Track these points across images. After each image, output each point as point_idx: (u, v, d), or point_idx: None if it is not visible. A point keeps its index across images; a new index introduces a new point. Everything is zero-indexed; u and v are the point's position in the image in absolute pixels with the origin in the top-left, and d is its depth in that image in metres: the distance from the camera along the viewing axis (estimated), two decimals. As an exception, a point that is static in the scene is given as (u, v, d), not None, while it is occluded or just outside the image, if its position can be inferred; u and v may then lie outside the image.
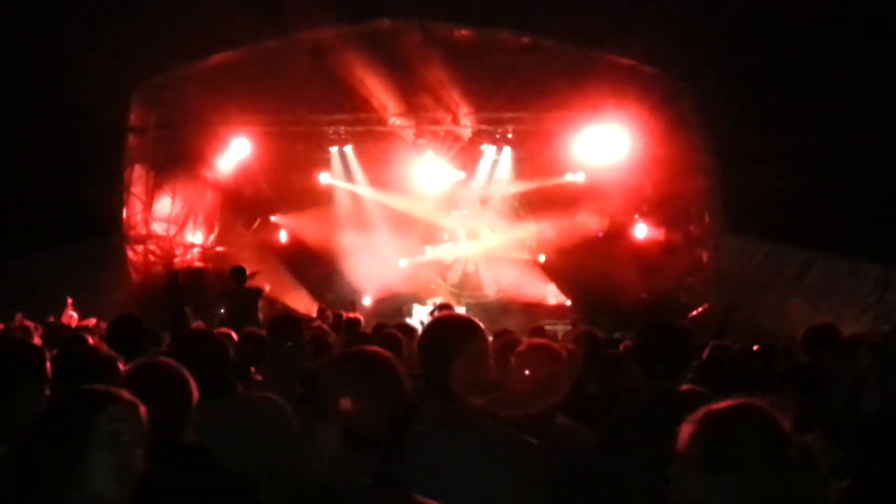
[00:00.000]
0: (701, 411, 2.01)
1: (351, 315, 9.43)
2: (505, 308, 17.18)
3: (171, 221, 16.47)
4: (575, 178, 16.98)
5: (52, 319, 10.54)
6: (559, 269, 17.67)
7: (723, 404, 2.00)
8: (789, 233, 12.41)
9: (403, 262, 18.43)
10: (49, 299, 11.50)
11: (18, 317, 9.49)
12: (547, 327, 14.48)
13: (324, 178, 17.52)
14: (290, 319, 4.75)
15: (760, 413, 1.96)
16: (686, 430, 2.00)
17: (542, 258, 18.19)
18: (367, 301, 17.20)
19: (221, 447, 2.75)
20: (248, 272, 11.30)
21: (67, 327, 9.77)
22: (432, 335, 2.85)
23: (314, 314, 13.14)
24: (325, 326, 8.01)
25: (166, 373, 2.78)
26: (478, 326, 2.81)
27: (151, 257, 16.01)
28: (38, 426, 2.14)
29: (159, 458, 2.28)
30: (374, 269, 17.77)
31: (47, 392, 2.71)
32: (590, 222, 17.13)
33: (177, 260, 16.46)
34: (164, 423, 2.40)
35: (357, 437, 2.24)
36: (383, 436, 2.27)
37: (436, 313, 9.95)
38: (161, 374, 2.77)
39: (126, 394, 2.20)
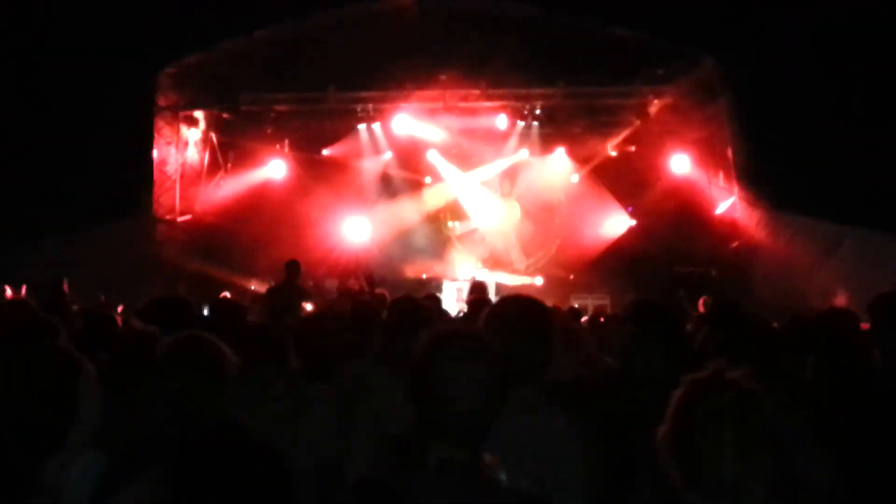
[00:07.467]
0: None
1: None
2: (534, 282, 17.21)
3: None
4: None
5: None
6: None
7: None
8: (820, 206, 12.26)
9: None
10: (81, 282, 11.55)
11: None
12: (576, 304, 14.52)
13: (352, 155, 17.47)
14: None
15: None
16: None
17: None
18: None
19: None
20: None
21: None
22: None
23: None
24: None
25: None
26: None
27: (182, 238, 16.15)
28: None
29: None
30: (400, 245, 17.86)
31: None
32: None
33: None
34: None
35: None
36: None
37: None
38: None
39: None
